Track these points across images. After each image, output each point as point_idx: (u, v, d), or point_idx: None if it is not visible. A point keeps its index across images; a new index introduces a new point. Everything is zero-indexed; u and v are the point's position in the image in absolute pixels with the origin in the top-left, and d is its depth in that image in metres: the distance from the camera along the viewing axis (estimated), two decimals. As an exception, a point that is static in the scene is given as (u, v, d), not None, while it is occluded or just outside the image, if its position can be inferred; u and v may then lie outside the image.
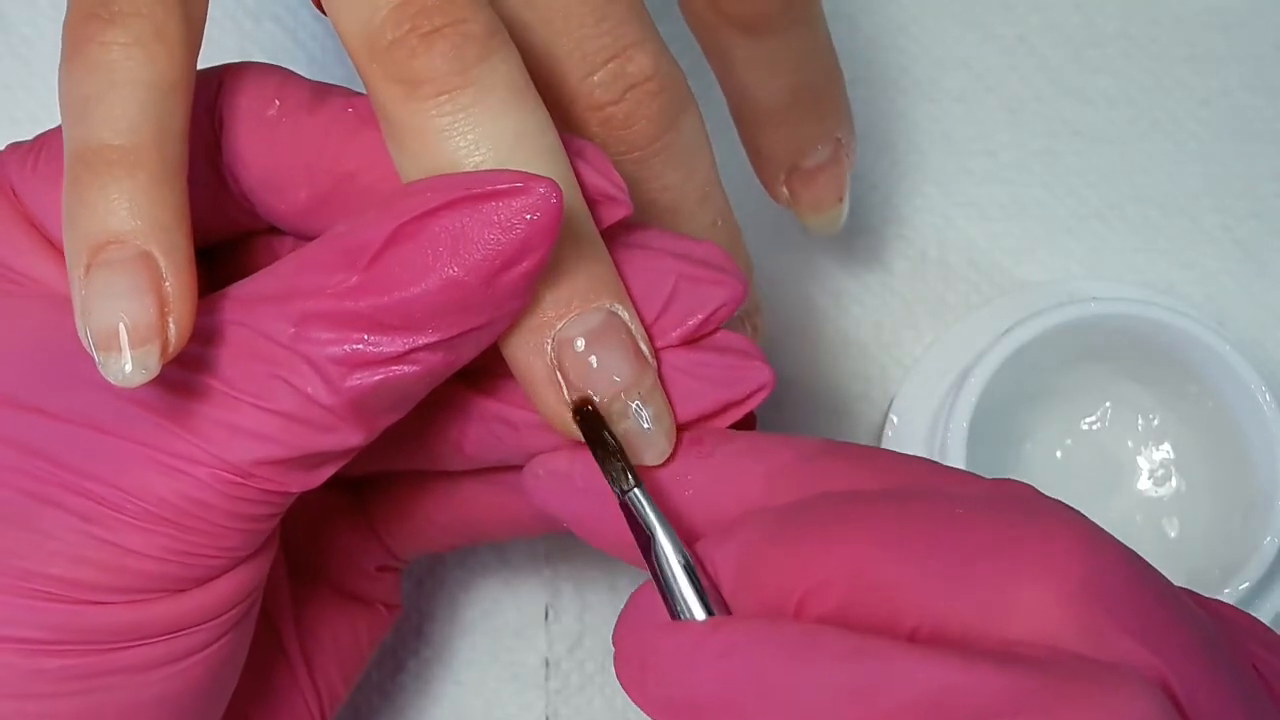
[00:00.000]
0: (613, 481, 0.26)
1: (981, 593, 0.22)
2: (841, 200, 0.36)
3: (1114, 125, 0.44)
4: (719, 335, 0.27)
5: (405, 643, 0.40)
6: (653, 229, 0.28)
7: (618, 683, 0.40)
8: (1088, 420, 0.40)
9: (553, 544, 0.40)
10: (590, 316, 0.26)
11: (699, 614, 0.24)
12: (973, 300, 0.43)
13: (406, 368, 0.25)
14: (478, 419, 0.28)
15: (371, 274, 0.25)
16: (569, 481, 0.27)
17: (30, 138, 0.29)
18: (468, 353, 0.26)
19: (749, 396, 0.27)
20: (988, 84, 0.44)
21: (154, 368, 0.24)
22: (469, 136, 0.25)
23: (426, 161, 0.26)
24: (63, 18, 0.26)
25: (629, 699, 0.36)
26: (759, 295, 0.35)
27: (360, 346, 0.25)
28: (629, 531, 0.25)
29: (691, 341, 0.27)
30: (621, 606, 0.40)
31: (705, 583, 0.25)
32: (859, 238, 0.43)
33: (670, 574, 0.25)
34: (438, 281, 0.24)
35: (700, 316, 0.27)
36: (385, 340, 0.25)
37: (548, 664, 0.40)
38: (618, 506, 0.26)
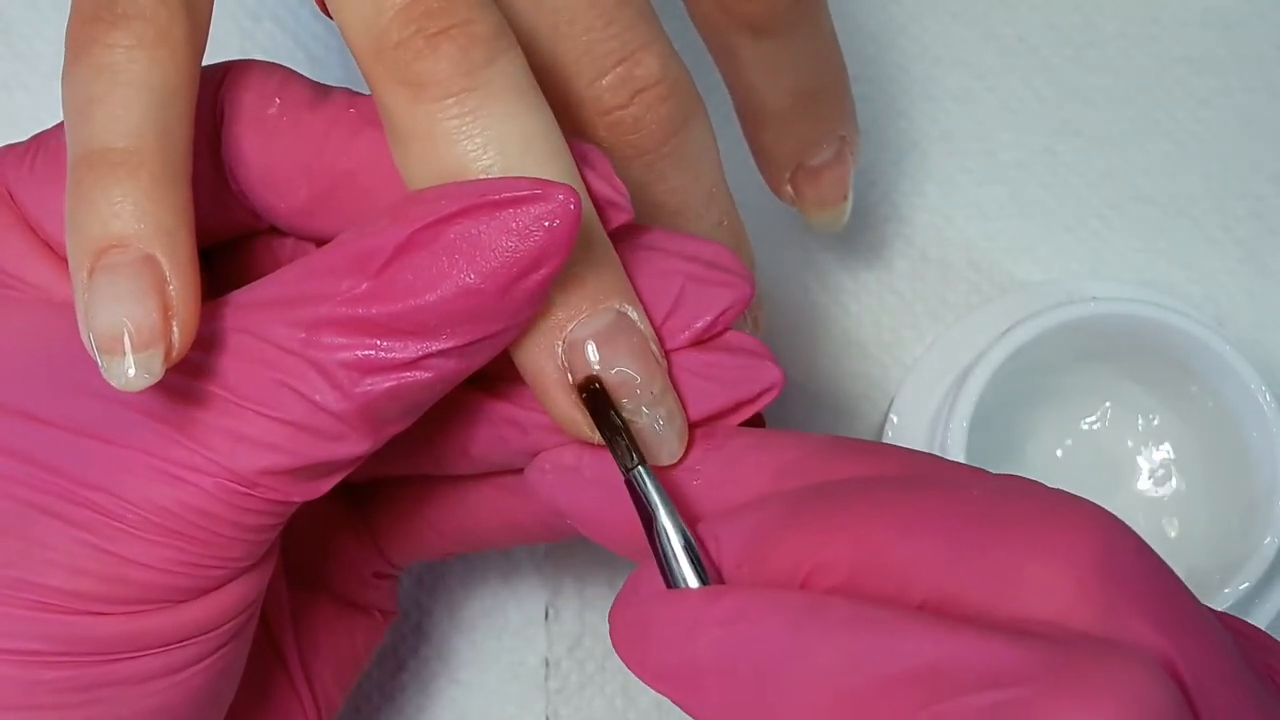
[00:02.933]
0: (619, 459, 0.26)
1: (990, 569, 0.22)
2: (846, 198, 0.36)
3: (1114, 125, 0.44)
4: (728, 335, 0.27)
5: (405, 641, 0.40)
6: (660, 231, 0.28)
7: (617, 682, 0.40)
8: (1088, 420, 0.40)
9: (553, 543, 0.40)
10: (600, 318, 0.26)
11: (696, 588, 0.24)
12: (973, 300, 0.43)
13: (419, 374, 0.25)
14: (486, 421, 0.28)
15: (383, 280, 0.25)
16: (577, 475, 0.27)
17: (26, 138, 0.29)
18: (481, 359, 0.26)
19: (759, 396, 0.27)
20: (988, 84, 0.44)
21: (157, 372, 0.24)
22: (477, 140, 0.25)
23: (433, 165, 0.25)
24: (64, 18, 0.26)
25: (624, 697, 0.36)
26: (760, 290, 0.35)
27: (372, 352, 0.25)
28: (638, 526, 0.25)
29: (700, 343, 0.27)
30: (621, 606, 0.40)
31: (705, 561, 0.25)
32: (859, 237, 0.43)
33: (670, 550, 0.25)
34: (453, 289, 0.24)
35: (708, 318, 0.27)
36: (398, 346, 0.25)
37: (548, 664, 0.40)
38: (627, 501, 0.26)
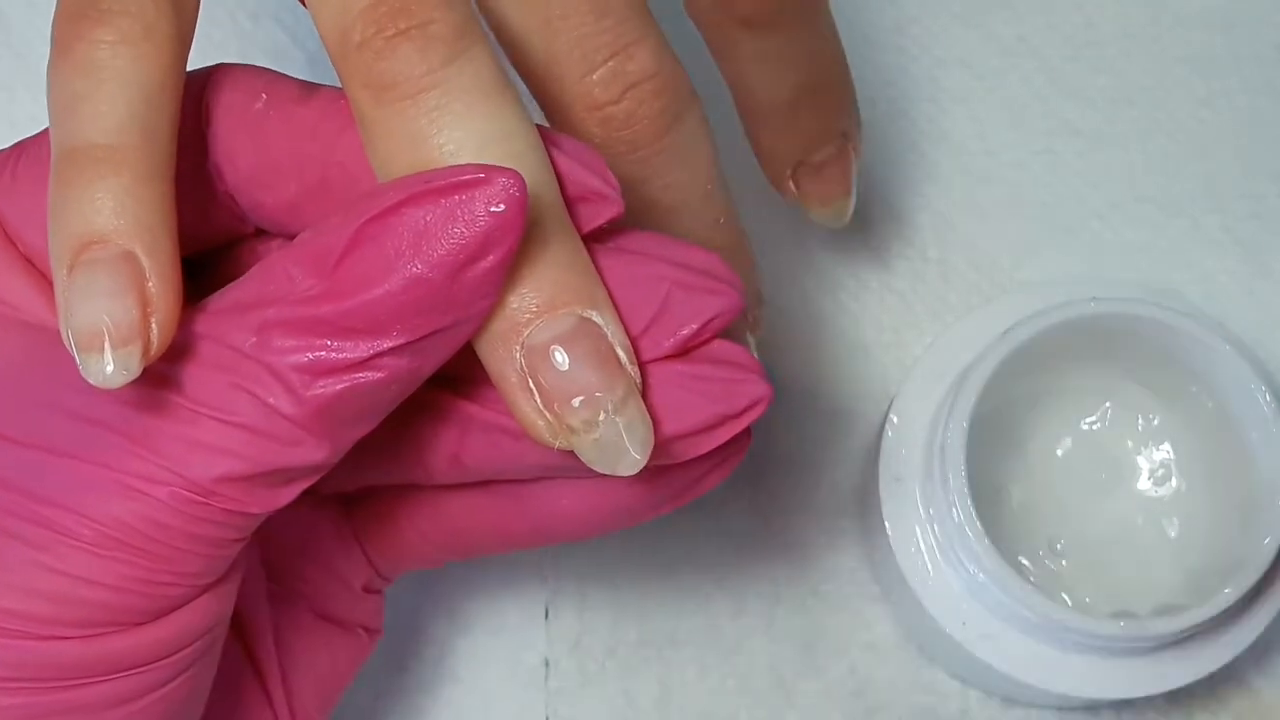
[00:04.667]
0: None
1: None
2: (849, 193, 0.36)
3: (1114, 125, 0.44)
4: (715, 346, 0.27)
5: (404, 641, 0.40)
6: (651, 235, 0.28)
7: (618, 683, 0.40)
8: (1088, 420, 0.40)
9: (552, 545, 0.40)
10: (561, 321, 0.25)
11: None
12: (973, 300, 0.43)
13: (371, 374, 0.24)
14: (476, 430, 0.28)
15: (336, 278, 0.24)
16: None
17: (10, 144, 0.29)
18: (435, 358, 0.25)
19: (744, 411, 0.27)
20: (988, 84, 0.44)
21: (135, 369, 0.24)
22: (437, 140, 0.25)
23: (398, 166, 0.25)
24: (62, 17, 0.26)
25: (624, 697, 0.35)
26: (762, 288, 0.35)
27: (323, 354, 0.24)
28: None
29: (687, 351, 0.26)
30: (621, 605, 0.40)
31: None
32: (859, 237, 0.43)
33: None
34: (400, 280, 0.24)
35: (694, 326, 0.26)
36: (349, 346, 0.24)
37: (548, 664, 0.40)
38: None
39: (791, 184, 0.35)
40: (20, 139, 0.29)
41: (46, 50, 0.43)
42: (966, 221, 0.43)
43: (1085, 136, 0.44)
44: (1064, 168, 0.43)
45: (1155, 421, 0.40)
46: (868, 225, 0.43)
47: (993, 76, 0.44)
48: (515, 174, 0.24)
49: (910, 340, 0.42)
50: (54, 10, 0.44)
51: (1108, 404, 0.40)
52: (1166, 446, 0.40)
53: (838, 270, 0.43)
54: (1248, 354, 0.36)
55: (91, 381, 0.24)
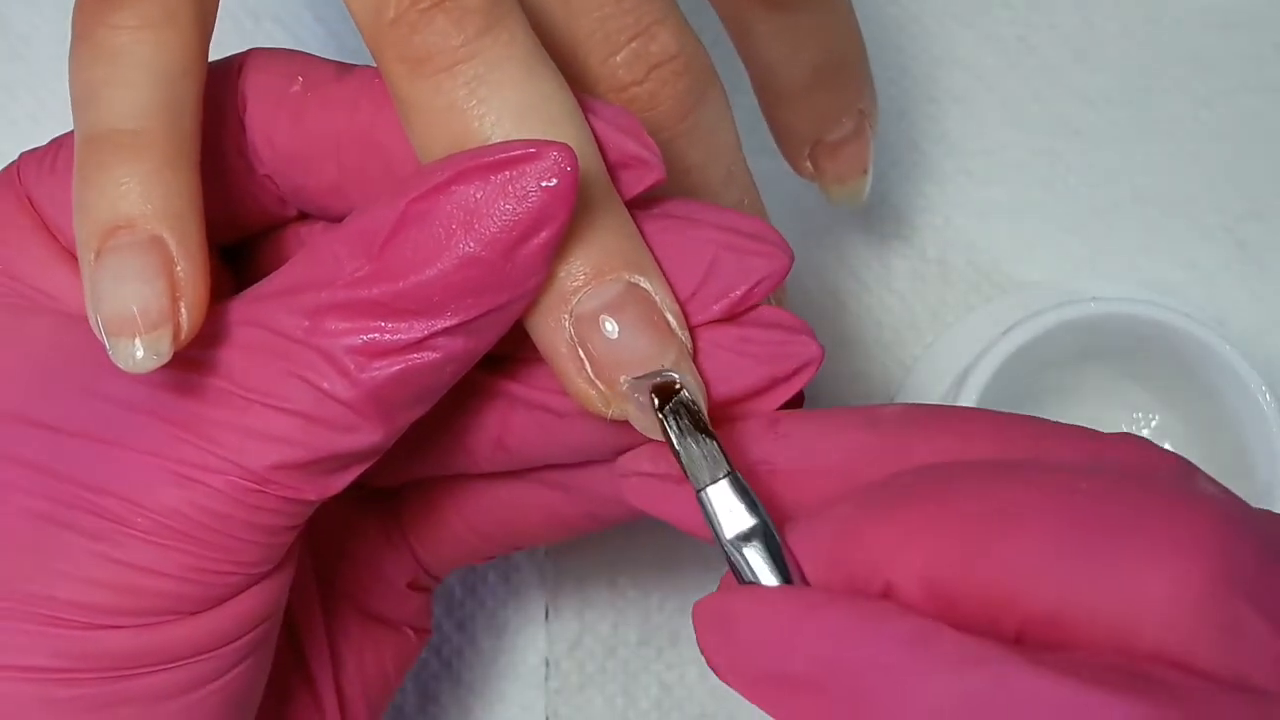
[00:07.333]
0: (694, 472, 0.24)
1: (1101, 584, 0.20)
2: (866, 172, 0.36)
3: (1114, 125, 0.44)
4: (763, 311, 0.26)
5: (405, 642, 0.40)
6: (697, 202, 0.27)
7: (618, 682, 0.40)
8: (1088, 420, 0.40)
9: (554, 543, 0.40)
10: (608, 288, 0.25)
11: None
12: (973, 300, 0.43)
13: (427, 355, 0.24)
14: (520, 410, 0.27)
15: (385, 259, 0.24)
16: (657, 482, 0.26)
17: (41, 142, 0.29)
18: (489, 337, 0.25)
19: (796, 373, 0.26)
20: (988, 84, 0.44)
21: (165, 353, 0.24)
22: (477, 111, 0.25)
23: (438, 140, 0.25)
24: (65, 17, 0.26)
25: (625, 697, 0.36)
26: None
27: (377, 335, 0.24)
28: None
29: (735, 315, 0.26)
30: (621, 605, 0.40)
31: (792, 568, 0.23)
32: (858, 237, 0.43)
33: (757, 558, 0.23)
34: (453, 260, 0.24)
35: (743, 289, 0.26)
36: (403, 327, 0.24)
37: (548, 664, 0.40)
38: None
39: (809, 163, 0.35)
40: (22, 138, 0.29)
41: (46, 50, 0.44)
42: (966, 221, 0.43)
43: (1085, 136, 0.44)
44: (1064, 168, 0.44)
45: (1155, 421, 0.40)
46: (867, 225, 0.43)
47: (993, 76, 0.44)
48: (566, 148, 0.23)
49: (910, 340, 0.42)
50: (54, 10, 0.44)
51: (1108, 404, 0.40)
52: (1166, 446, 0.40)
53: (837, 271, 0.43)
54: (1248, 354, 0.36)
55: (121, 367, 0.24)
